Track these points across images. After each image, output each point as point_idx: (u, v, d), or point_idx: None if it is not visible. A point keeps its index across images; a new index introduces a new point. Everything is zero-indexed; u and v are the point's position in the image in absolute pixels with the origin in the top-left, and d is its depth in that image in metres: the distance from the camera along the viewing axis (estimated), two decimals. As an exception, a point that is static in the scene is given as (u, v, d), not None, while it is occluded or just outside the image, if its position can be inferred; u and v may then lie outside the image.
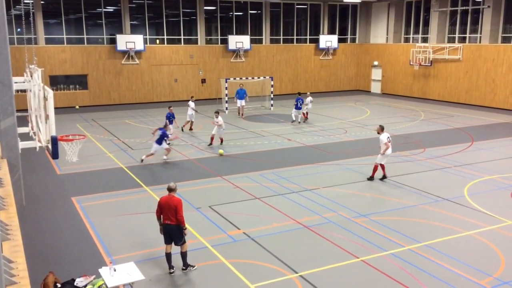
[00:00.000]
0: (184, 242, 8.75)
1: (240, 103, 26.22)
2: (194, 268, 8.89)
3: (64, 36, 29.77)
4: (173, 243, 8.74)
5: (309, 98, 24.97)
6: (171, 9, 32.56)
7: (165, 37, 32.56)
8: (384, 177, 14.42)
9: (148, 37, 31.92)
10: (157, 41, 32.69)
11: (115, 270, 7.40)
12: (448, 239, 10.22)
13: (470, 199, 12.69)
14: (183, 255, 8.81)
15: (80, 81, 30.32)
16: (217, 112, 19.12)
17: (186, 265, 8.84)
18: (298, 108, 23.56)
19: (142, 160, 16.52)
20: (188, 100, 23.13)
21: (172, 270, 8.78)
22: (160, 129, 16.67)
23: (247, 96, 26.67)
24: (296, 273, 8.76)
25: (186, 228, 8.75)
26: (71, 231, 10.79)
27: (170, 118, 19.70)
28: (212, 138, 19.12)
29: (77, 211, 11.96)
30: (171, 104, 25.17)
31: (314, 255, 9.55)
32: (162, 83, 32.32)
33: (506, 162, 16.55)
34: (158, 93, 32.30)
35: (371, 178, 14.48)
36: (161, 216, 8.69)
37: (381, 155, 14.34)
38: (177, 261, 8.87)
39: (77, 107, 29.72)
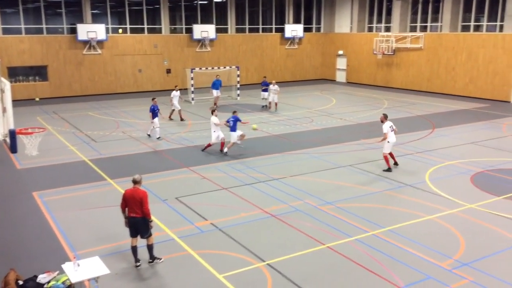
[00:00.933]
0: (150, 234, 8.66)
1: (216, 93, 26.07)
2: (160, 261, 8.82)
3: (22, 26, 28.72)
4: (139, 236, 8.64)
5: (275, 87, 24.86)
6: (133, -2, 31.88)
7: (128, 26, 31.88)
8: (388, 169, 14.18)
9: (110, 26, 31.18)
10: (120, 30, 31.98)
11: (79, 265, 7.25)
12: (411, 223, 10.50)
13: (431, 184, 13.05)
14: (149, 247, 8.72)
15: (39, 72, 29.37)
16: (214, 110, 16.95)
17: (152, 258, 8.76)
18: (265, 91, 24.69)
19: (226, 153, 16.15)
20: (172, 90, 22.69)
21: (138, 263, 8.68)
22: (232, 118, 16.14)
23: (221, 86, 26.69)
24: (264, 261, 8.82)
25: (152, 221, 8.66)
26: (33, 227, 10.51)
27: (155, 110, 18.39)
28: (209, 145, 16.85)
29: (39, 206, 11.64)
30: (139, 94, 24.73)
31: (281, 243, 9.63)
32: (125, 73, 31.69)
33: (465, 147, 17.08)
34: (121, 83, 31.67)
35: (388, 169, 14.17)
36: (126, 209, 8.56)
37: (385, 144, 14.19)
38: (143, 254, 8.78)
39: (37, 99, 28.82)
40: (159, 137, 18.46)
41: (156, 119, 18.34)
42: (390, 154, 14.40)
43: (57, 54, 29.37)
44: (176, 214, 11.11)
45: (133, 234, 8.64)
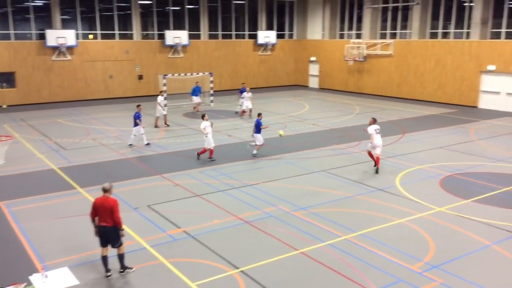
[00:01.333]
0: (121, 244, 8.51)
1: (196, 99, 26.07)
2: (132, 270, 8.67)
3: (-12, 31, 28.04)
4: (109, 246, 8.48)
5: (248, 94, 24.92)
6: (104, 3, 31.48)
7: (99, 32, 31.46)
8: (376, 170, 14.78)
9: (80, 32, 30.72)
10: (90, 36, 31.52)
11: (46, 276, 7.09)
12: (382, 227, 10.63)
13: (401, 188, 13.27)
14: (120, 257, 8.57)
15: (7, 78, 28.63)
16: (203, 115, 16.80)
17: (123, 267, 8.61)
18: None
19: (255, 155, 16.71)
20: (157, 96, 23.16)
21: (109, 274, 8.51)
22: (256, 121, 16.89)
23: (201, 93, 26.85)
24: (237, 268, 8.78)
25: (123, 229, 8.51)
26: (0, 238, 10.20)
27: (140, 117, 18.02)
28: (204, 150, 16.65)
29: (5, 216, 11.31)
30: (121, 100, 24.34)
31: (255, 250, 9.61)
32: (96, 79, 31.23)
33: (434, 152, 17.44)
34: (92, 90, 31.18)
35: (375, 167, 14.89)
36: (96, 218, 8.40)
37: (369, 144, 15.17)
38: (114, 263, 8.62)
39: (4, 106, 28.09)
40: (131, 144, 18.24)
41: (136, 128, 18.00)
42: (374, 156, 14.97)
43: (25, 60, 28.73)
44: (148, 222, 10.96)
45: (104, 244, 8.47)
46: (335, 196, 12.76)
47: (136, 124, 18.03)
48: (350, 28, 36.17)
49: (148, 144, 18.29)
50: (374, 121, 15.14)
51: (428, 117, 24.95)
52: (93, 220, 8.48)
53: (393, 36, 33.05)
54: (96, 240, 8.59)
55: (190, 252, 9.49)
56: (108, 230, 8.35)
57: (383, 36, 33.66)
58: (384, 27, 33.73)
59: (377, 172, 14.76)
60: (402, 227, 10.71)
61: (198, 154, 16.45)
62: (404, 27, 32.55)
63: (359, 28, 35.23)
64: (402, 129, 21.57)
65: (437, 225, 10.78)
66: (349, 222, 10.93)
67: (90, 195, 12.54)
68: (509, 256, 9.29)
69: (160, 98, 22.51)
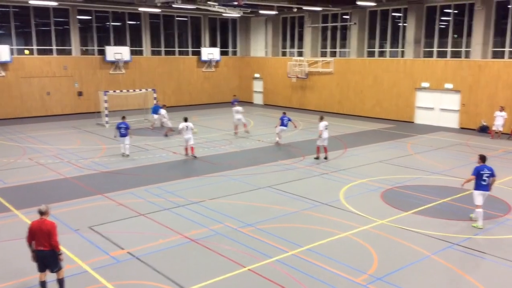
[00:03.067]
0: (60, 268, 8.13)
1: (156, 117, 25.87)
2: (73, 295, 8.30)
3: None
4: (48, 270, 8.07)
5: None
6: (40, 18, 30.41)
7: (35, 47, 30.29)
8: (317, 157, 18.61)
9: (15, 47, 29.43)
10: (26, 51, 30.27)
11: (-22, 307, 6.61)
12: (327, 241, 10.82)
13: (345, 202, 13.60)
14: (60, 282, 8.18)
15: None
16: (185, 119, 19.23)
17: (64, 293, 8.22)
18: (283, 125, 22.09)
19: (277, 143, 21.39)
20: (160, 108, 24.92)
21: (48, 300, 8.09)
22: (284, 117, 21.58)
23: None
24: (184, 289, 8.60)
25: (61, 253, 8.14)
26: None
27: (127, 128, 18.98)
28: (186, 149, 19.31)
29: None
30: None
31: (202, 268, 9.47)
32: (33, 96, 29.95)
33: (374, 166, 18.07)
34: (28, 107, 29.86)
35: (317, 157, 18.67)
36: (33, 242, 7.98)
37: (319, 138, 18.45)
38: (53, 289, 8.20)
39: None
40: (126, 153, 19.07)
41: (126, 138, 18.85)
42: (324, 148, 18.58)
43: (-46, 75, 27.11)
44: (90, 244, 10.54)
45: (42, 269, 8.07)
46: (281, 211, 12.86)
47: (124, 135, 18.83)
48: (292, 46, 37.03)
49: (128, 155, 19.06)
50: (321, 119, 18.59)
51: (368, 132, 25.85)
52: (30, 245, 8.07)
53: (333, 54, 34.16)
54: (33, 265, 8.15)
55: (135, 274, 9.20)
56: (46, 255, 7.97)
57: (323, 54, 34.70)
58: (324, 46, 34.81)
59: (326, 158, 18.56)
60: (346, 240, 10.95)
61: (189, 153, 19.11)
62: (343, 45, 33.76)
63: (300, 46, 36.14)
64: (344, 144, 22.20)
65: (379, 237, 11.11)
66: (296, 237, 11.04)
67: (27, 218, 11.90)
68: (448, 265, 9.72)
69: (163, 111, 24.50)
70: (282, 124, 22.03)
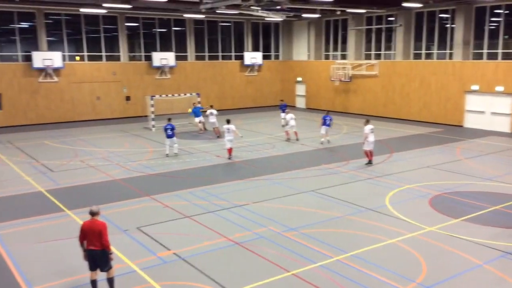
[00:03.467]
0: (111, 267, 8.38)
1: (199, 119, 26.34)
2: (122, 294, 8.53)
3: (-26, 53, 27.85)
4: (98, 269, 8.34)
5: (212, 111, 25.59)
6: (91, 25, 31.56)
7: (86, 53, 31.46)
8: (369, 162, 18.10)
9: (67, 54, 30.68)
10: (77, 57, 31.48)
11: (35, 303, 6.91)
12: (373, 248, 10.62)
13: (391, 208, 13.32)
14: (110, 281, 8.42)
15: (-8, 100, 28.41)
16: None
17: (114, 292, 8.46)
18: (326, 125, 22.59)
19: (323, 143, 21.55)
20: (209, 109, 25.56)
21: (98, 298, 8.36)
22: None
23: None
24: (229, 291, 8.67)
25: (112, 253, 8.39)
26: (-16, 263, 9.96)
27: (173, 129, 20.03)
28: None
29: (-9, 241, 11.07)
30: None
31: (246, 271, 9.51)
32: (83, 101, 31.11)
33: (422, 171, 17.60)
34: (79, 111, 31.02)
35: (369, 163, 18.16)
36: (85, 241, 8.27)
37: (365, 142, 18.00)
38: (104, 287, 8.46)
39: (-11, 128, 27.78)
40: (174, 152, 20.10)
41: (174, 139, 19.97)
42: (370, 152, 18.13)
43: (11, 82, 28.57)
44: (138, 245, 10.81)
45: (93, 268, 8.34)
46: (325, 216, 12.75)
47: (171, 135, 19.86)
48: (335, 49, 36.70)
49: (176, 154, 20.13)
50: (367, 122, 18.23)
51: (415, 136, 25.23)
52: (82, 244, 8.36)
53: (378, 56, 33.59)
54: (85, 264, 8.44)
55: (181, 275, 9.36)
56: (97, 254, 8.23)
57: (368, 56, 34.19)
58: (368, 48, 34.30)
59: (370, 162, 18.08)
60: (394, 247, 10.71)
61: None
62: (388, 48, 33.14)
63: (343, 49, 35.76)
64: (390, 148, 21.76)
65: (428, 245, 10.81)
66: (340, 242, 10.91)
67: (78, 218, 12.35)
68: (501, 275, 9.33)
69: (214, 111, 25.19)
70: (324, 124, 22.45)
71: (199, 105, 27.62)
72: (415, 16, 31.01)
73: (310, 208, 13.39)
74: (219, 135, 24.22)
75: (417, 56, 31.48)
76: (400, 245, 10.77)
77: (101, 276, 8.41)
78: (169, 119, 20.36)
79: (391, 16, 32.41)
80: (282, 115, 27.10)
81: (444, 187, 15.33)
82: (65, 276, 9.29)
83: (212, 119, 25.02)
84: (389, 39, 33.06)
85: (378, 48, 33.77)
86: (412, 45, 31.57)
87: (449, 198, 14.27)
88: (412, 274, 9.33)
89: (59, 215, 12.88)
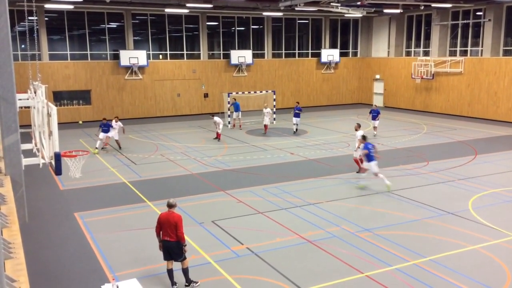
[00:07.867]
0: (184, 258, 8.69)
1: (236, 115, 26.98)
2: (197, 284, 8.82)
3: (68, 52, 30.02)
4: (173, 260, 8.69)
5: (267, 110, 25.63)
6: (173, 25, 32.85)
7: (168, 52, 32.80)
8: (359, 171, 16.33)
9: (151, 52, 32.17)
10: (160, 56, 32.92)
11: (117, 287, 7.35)
12: (453, 253, 10.13)
13: (474, 213, 12.61)
14: (185, 271, 8.75)
15: (83, 96, 30.48)
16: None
17: (188, 281, 8.78)
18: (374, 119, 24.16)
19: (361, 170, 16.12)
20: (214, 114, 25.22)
21: (174, 287, 8.70)
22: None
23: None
24: (300, 289, 8.68)
25: (186, 245, 8.69)
26: (74, 247, 10.75)
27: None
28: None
29: (80, 227, 11.93)
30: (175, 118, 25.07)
31: (318, 270, 9.47)
32: (165, 97, 32.48)
33: (509, 175, 16.45)
34: (161, 107, 32.44)
35: (358, 171, 16.33)
36: (161, 232, 8.65)
37: (357, 149, 16.36)
38: (180, 277, 8.81)
39: (80, 122, 29.84)
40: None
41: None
42: (361, 159, 15.63)
43: (100, 79, 30.45)
44: (213, 238, 11.13)
45: (167, 258, 8.69)
46: (401, 218, 12.34)
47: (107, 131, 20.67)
48: (417, 46, 35.25)
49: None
50: (359, 127, 17.21)
51: (502, 137, 23.63)
52: (158, 235, 8.74)
53: (464, 53, 31.81)
54: (161, 254, 8.83)
55: (253, 269, 9.51)
56: (172, 245, 8.55)
57: (452, 53, 32.49)
58: (453, 44, 32.57)
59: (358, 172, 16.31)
60: (476, 253, 10.14)
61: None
62: (475, 44, 31.26)
63: (426, 45, 34.26)
64: (474, 150, 20.57)
65: (514, 253, 10.12)
66: (418, 246, 10.51)
67: (158, 209, 12.95)
68: None
69: (269, 110, 25.48)
70: (373, 119, 24.11)
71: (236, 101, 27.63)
72: (506, 10, 28.96)
73: (386, 209, 13.03)
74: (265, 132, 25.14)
75: (507, 53, 29.40)
76: (483, 252, 10.17)
77: (177, 266, 8.76)
78: (104, 119, 21.21)
79: (479, 10, 30.53)
80: (295, 120, 24.81)
81: (535, 193, 14.23)
82: (144, 264, 9.79)
83: (267, 116, 25.37)
84: (476, 35, 31.16)
85: (464, 44, 31.96)
86: (502, 41, 29.53)
87: (541, 205, 13.23)
88: (495, 283, 8.78)
89: (140, 206, 13.58)
